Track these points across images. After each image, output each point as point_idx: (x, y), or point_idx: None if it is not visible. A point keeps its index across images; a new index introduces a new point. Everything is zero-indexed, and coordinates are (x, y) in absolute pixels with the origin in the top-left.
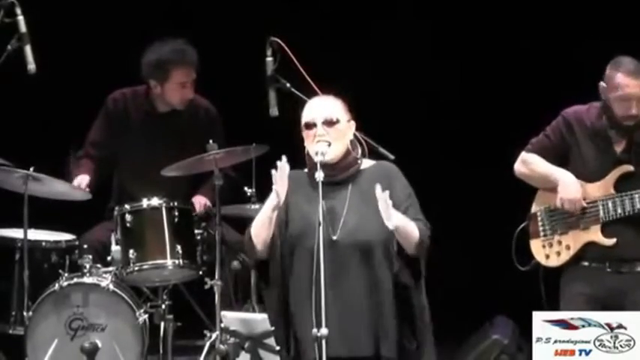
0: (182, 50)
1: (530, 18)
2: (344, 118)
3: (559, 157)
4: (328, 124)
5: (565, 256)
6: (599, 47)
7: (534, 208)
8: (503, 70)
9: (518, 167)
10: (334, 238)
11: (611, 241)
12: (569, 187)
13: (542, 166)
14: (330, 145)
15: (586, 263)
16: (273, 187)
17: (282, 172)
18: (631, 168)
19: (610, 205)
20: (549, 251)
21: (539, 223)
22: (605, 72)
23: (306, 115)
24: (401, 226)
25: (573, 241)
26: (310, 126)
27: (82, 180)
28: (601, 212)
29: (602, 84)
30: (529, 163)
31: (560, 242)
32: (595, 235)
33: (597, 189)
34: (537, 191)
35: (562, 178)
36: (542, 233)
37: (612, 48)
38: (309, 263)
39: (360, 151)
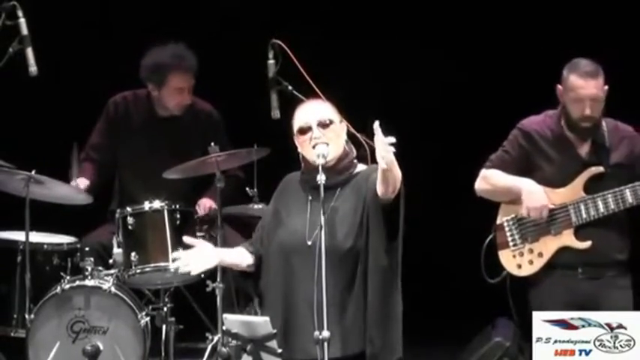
0: (180, 55)
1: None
2: (337, 119)
3: (521, 170)
4: (323, 126)
5: (538, 264)
6: (554, 56)
7: (500, 219)
8: (503, 74)
9: (479, 185)
10: (309, 243)
11: (585, 244)
12: (533, 195)
13: (504, 178)
14: (328, 145)
15: (558, 270)
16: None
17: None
18: (601, 169)
19: (582, 207)
20: (521, 260)
21: (508, 234)
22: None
23: (300, 120)
24: (394, 165)
25: (546, 248)
26: (305, 130)
27: (80, 182)
28: (573, 216)
29: (559, 87)
30: (490, 178)
31: (531, 250)
32: (568, 239)
33: (566, 194)
34: (501, 203)
35: (525, 187)
36: (511, 243)
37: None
38: (283, 265)
39: (355, 153)
